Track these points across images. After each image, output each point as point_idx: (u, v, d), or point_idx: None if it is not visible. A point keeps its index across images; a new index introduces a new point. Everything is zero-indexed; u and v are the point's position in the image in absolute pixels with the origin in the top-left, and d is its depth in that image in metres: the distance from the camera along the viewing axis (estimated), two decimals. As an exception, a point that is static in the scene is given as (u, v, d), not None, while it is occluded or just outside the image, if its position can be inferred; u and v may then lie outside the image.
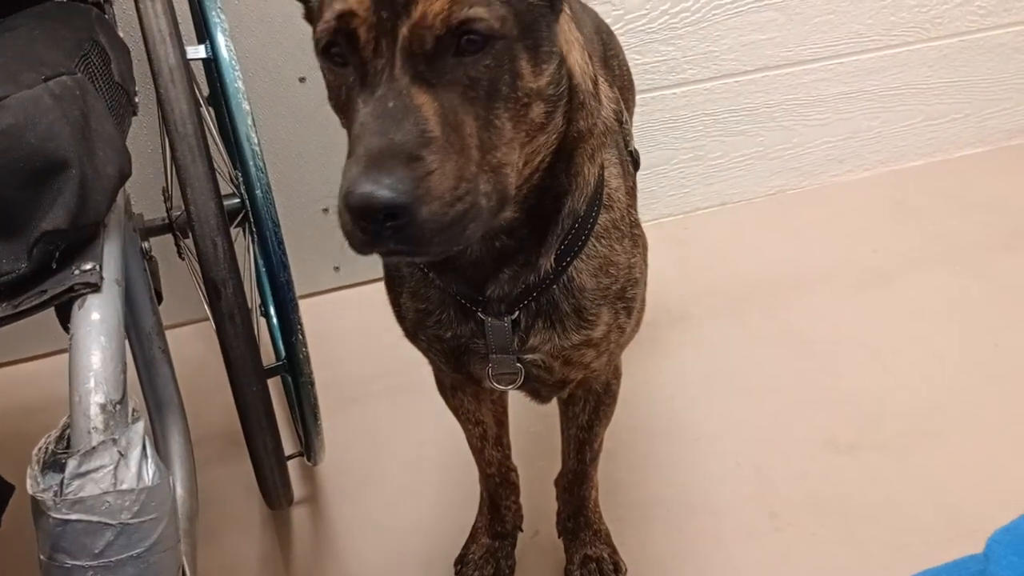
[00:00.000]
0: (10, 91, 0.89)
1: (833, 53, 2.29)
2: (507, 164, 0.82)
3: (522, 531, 1.47)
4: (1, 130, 0.87)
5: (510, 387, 1.09)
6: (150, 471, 0.83)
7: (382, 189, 0.72)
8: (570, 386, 1.16)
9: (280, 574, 1.52)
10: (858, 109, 2.39)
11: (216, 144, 1.37)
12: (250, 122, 1.24)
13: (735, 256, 2.20)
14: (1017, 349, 1.84)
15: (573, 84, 0.92)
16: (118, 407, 0.84)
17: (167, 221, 1.47)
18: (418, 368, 1.25)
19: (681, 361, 1.88)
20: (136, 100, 1.30)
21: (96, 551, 0.80)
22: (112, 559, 0.80)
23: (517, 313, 1.01)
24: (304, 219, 2.06)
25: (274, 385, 1.54)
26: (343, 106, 0.84)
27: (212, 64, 1.29)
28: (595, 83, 0.98)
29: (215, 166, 1.16)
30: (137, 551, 0.82)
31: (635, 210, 1.10)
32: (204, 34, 1.31)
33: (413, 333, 1.11)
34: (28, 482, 0.81)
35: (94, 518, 0.79)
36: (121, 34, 1.36)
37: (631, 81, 1.58)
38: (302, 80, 1.92)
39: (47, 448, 0.82)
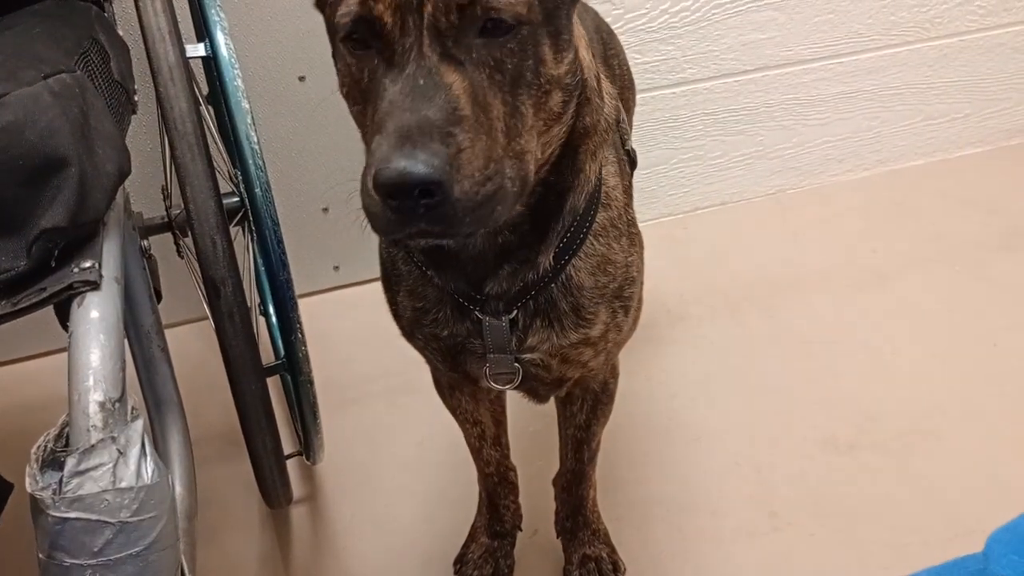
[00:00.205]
0: (10, 88, 0.89)
1: (833, 53, 2.29)
2: (528, 151, 0.82)
3: (521, 530, 1.47)
4: (0, 127, 0.87)
5: (507, 387, 1.09)
6: (149, 469, 0.83)
7: (418, 164, 0.70)
8: (567, 385, 1.16)
9: (279, 573, 1.52)
10: (858, 109, 2.39)
11: (215, 143, 1.37)
12: (249, 120, 1.24)
13: (735, 256, 2.20)
14: (1016, 349, 1.84)
15: (583, 78, 0.92)
16: (117, 405, 0.83)
17: (166, 219, 1.46)
18: (417, 368, 1.25)
19: (681, 361, 1.88)
20: (135, 98, 1.30)
21: (95, 549, 0.80)
22: (111, 557, 0.80)
23: (515, 312, 1.01)
24: (304, 218, 2.06)
25: (273, 384, 1.54)
26: (364, 91, 0.81)
27: (211, 62, 1.29)
28: (599, 80, 0.98)
29: (214, 165, 1.16)
30: (136, 549, 0.81)
31: (632, 209, 1.10)
32: (203, 32, 1.31)
33: (410, 332, 1.10)
34: (27, 480, 0.80)
35: (93, 516, 0.79)
36: (120, 32, 1.36)
37: (631, 80, 1.58)
38: (301, 79, 1.92)
39: (46, 446, 0.82)
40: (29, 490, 0.80)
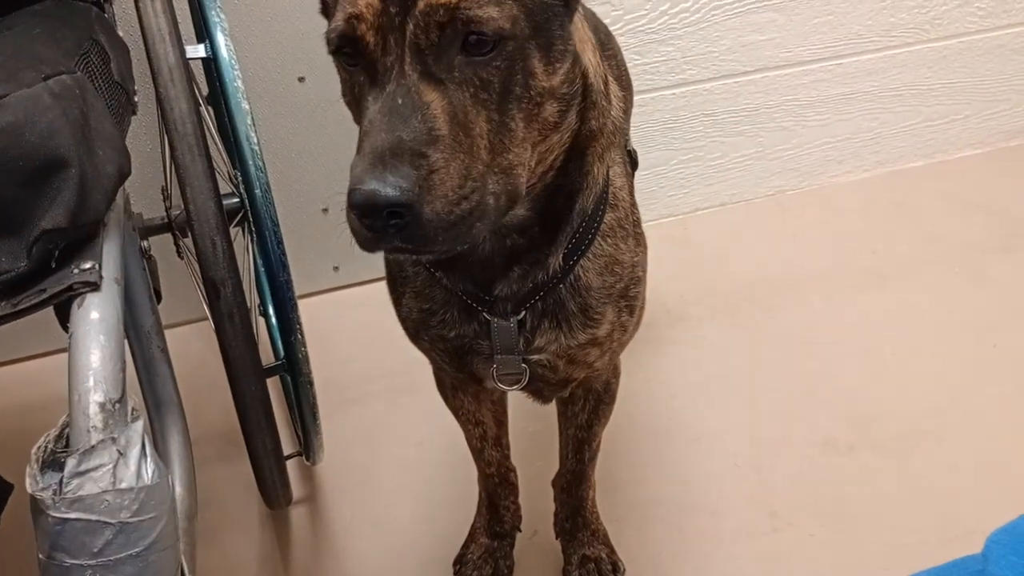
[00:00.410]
0: (10, 89, 0.89)
1: (833, 54, 2.29)
2: (518, 164, 0.82)
3: (520, 531, 1.47)
4: (1, 128, 0.87)
5: (514, 387, 1.09)
6: (149, 470, 0.83)
7: (386, 187, 0.72)
8: (572, 385, 1.16)
9: (279, 574, 1.52)
10: (857, 110, 2.39)
11: (215, 143, 1.37)
12: (249, 121, 1.24)
13: (734, 257, 2.20)
14: (1015, 350, 1.84)
15: (587, 83, 0.92)
16: (117, 406, 0.83)
17: (166, 220, 1.46)
18: (417, 368, 1.25)
19: (681, 361, 1.88)
20: (135, 99, 1.30)
21: (95, 550, 0.80)
22: (111, 558, 0.80)
23: (523, 313, 1.01)
24: (303, 219, 2.06)
25: (273, 385, 1.54)
26: (358, 101, 0.84)
27: (211, 63, 1.29)
28: (606, 83, 0.98)
29: (214, 165, 1.16)
30: (136, 550, 0.81)
31: (637, 209, 1.10)
32: (204, 33, 1.31)
33: (415, 333, 1.10)
34: (27, 481, 0.80)
35: (93, 517, 0.79)
36: (121, 33, 1.36)
37: (629, 81, 1.58)
38: (301, 80, 1.92)
39: (46, 447, 0.82)
40: (29, 491, 0.80)
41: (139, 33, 1.16)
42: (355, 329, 2.00)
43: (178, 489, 1.27)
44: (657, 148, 2.27)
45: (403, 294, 1.09)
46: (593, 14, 1.48)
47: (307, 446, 1.46)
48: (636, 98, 1.72)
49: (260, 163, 1.25)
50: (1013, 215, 2.27)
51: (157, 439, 1.37)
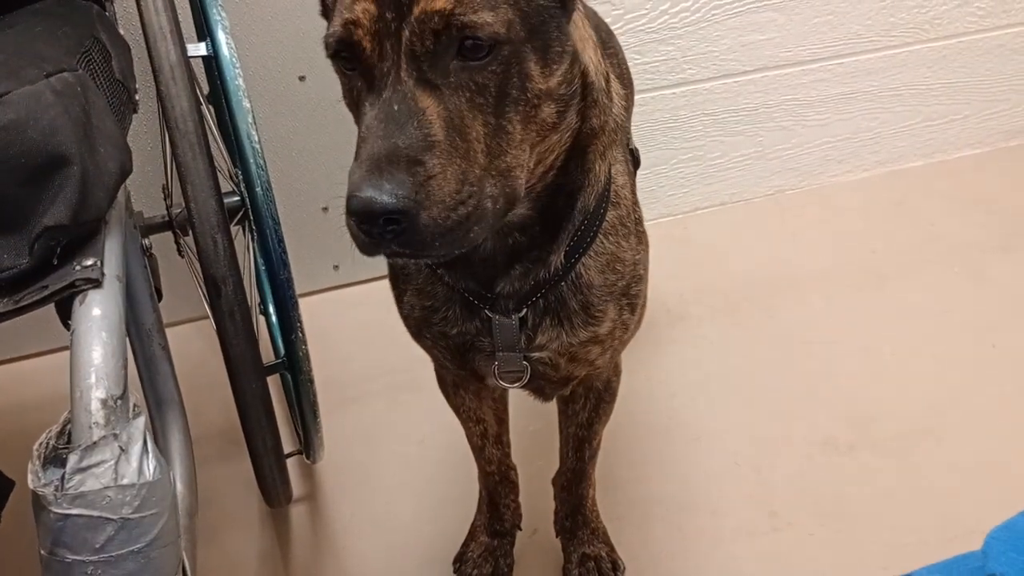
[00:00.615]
0: (12, 87, 0.89)
1: (832, 54, 2.29)
2: (516, 166, 0.83)
3: (521, 529, 1.47)
4: (3, 126, 0.87)
5: (515, 385, 1.09)
6: (151, 466, 0.83)
7: (382, 195, 0.73)
8: (573, 383, 1.16)
9: (279, 571, 1.52)
10: (857, 110, 2.39)
11: (216, 142, 1.37)
12: (250, 120, 1.24)
13: (734, 256, 2.20)
14: (1015, 350, 1.84)
15: (588, 82, 0.92)
16: (119, 402, 0.84)
17: (167, 218, 1.47)
18: (417, 366, 1.26)
19: (681, 361, 1.88)
20: (137, 97, 1.30)
21: (97, 546, 0.80)
22: (113, 554, 0.80)
23: (525, 311, 1.01)
24: (304, 217, 2.06)
25: (273, 383, 1.54)
26: (355, 106, 0.85)
27: (213, 62, 1.29)
28: (607, 80, 0.98)
29: (215, 164, 1.16)
30: (138, 546, 0.82)
31: (639, 207, 1.10)
32: (205, 31, 1.31)
33: (417, 331, 1.11)
34: (29, 477, 0.81)
35: (95, 513, 0.79)
36: (122, 31, 1.36)
37: (630, 80, 1.58)
38: (302, 79, 1.92)
39: (48, 443, 0.82)
40: (31, 487, 0.80)
41: (140, 31, 1.16)
42: (355, 327, 2.00)
43: (179, 487, 1.27)
44: (657, 147, 2.27)
45: (405, 291, 1.09)
46: (594, 13, 1.48)
47: (307, 444, 1.47)
48: (636, 97, 1.72)
49: (261, 161, 1.25)
50: (1012, 215, 2.27)
51: (158, 437, 1.37)
